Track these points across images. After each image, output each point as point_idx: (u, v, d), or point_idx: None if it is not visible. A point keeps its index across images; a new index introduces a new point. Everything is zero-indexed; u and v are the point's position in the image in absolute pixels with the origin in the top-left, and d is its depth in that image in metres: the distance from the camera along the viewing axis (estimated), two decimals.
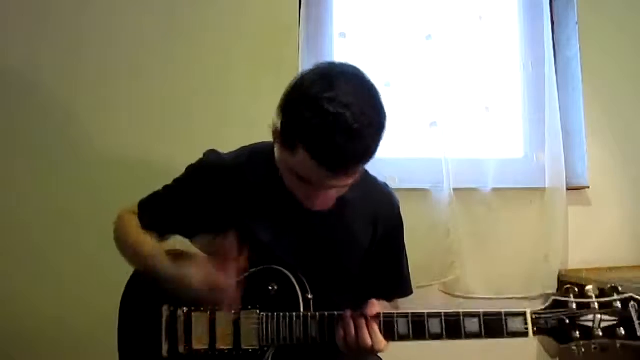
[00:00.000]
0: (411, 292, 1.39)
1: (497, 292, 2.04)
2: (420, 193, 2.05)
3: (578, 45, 2.19)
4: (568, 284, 1.16)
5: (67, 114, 1.91)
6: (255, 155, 1.32)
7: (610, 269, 2.10)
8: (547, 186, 2.12)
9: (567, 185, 2.10)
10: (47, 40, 1.91)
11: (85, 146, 1.91)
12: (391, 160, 2.10)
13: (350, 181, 1.11)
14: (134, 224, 1.31)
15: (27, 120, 1.89)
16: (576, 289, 1.11)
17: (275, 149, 1.24)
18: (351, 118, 1.00)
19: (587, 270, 2.09)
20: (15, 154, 1.88)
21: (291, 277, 1.22)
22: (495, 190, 2.10)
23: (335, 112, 1.00)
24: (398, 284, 1.37)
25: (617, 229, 2.19)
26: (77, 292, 1.85)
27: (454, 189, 2.03)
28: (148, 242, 1.27)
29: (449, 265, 2.02)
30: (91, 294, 1.82)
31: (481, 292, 2.03)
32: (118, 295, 1.36)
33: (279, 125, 1.10)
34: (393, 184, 1.98)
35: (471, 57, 2.16)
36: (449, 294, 2.04)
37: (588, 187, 2.17)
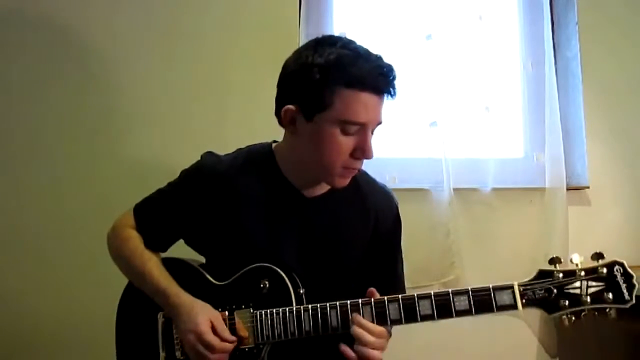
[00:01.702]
0: (404, 293, 1.39)
1: None
2: (420, 193, 2.05)
3: (578, 45, 2.19)
4: None
5: (67, 114, 1.91)
6: (252, 155, 1.32)
7: None
8: (547, 186, 2.11)
9: (567, 185, 2.10)
10: (48, 42, 1.91)
11: (85, 146, 1.91)
12: (391, 160, 2.10)
13: (382, 114, 1.19)
14: (137, 244, 1.30)
15: (27, 121, 1.89)
16: (562, 260, 1.12)
17: (282, 144, 1.27)
18: (368, 49, 1.18)
19: None
20: (15, 154, 1.88)
21: (281, 273, 1.22)
22: (495, 190, 2.10)
23: (357, 46, 1.17)
24: (392, 283, 1.37)
25: (617, 229, 2.19)
26: (77, 292, 1.85)
27: (454, 189, 2.03)
28: (156, 273, 1.26)
29: (449, 265, 2.02)
30: (91, 294, 1.82)
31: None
32: (118, 296, 1.36)
33: (294, 102, 1.17)
34: (393, 184, 2.01)
35: (471, 57, 2.16)
36: None
37: (588, 187, 2.17)
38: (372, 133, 1.19)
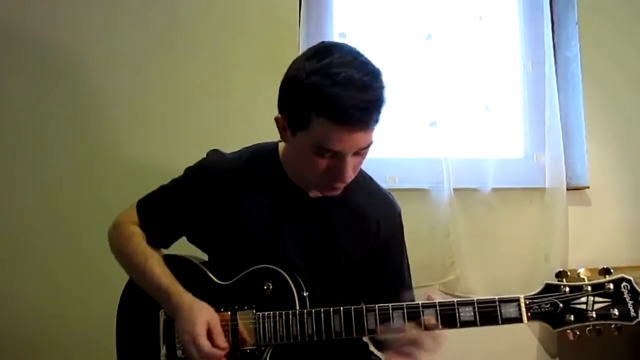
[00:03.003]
0: (412, 299, 1.38)
1: (497, 292, 1.99)
2: (420, 193, 2.05)
3: (578, 45, 2.19)
4: None
5: (68, 115, 1.91)
6: (257, 155, 1.32)
7: (611, 269, 2.10)
8: (547, 186, 2.12)
9: (567, 185, 2.10)
10: (48, 41, 1.91)
11: (86, 146, 1.91)
12: (391, 160, 2.10)
13: (369, 139, 1.12)
14: (140, 241, 1.30)
15: (26, 121, 1.89)
16: (568, 273, 1.11)
17: (285, 144, 1.26)
18: (356, 73, 1.07)
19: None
20: (14, 155, 1.88)
21: (285, 275, 1.22)
22: (495, 190, 2.10)
23: (339, 72, 1.06)
24: (400, 290, 1.34)
25: (617, 229, 2.19)
26: (77, 292, 1.85)
27: (454, 189, 2.03)
28: (158, 271, 1.25)
29: (449, 265, 2.02)
30: (91, 293, 1.82)
31: (481, 292, 2.03)
32: (118, 295, 1.36)
33: (284, 112, 1.15)
34: (393, 184, 2.01)
35: (471, 57, 2.15)
36: (449, 294, 2.04)
37: (588, 187, 2.17)
38: (360, 154, 1.15)
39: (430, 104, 2.09)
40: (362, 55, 1.13)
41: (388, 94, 1.12)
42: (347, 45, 1.18)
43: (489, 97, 2.14)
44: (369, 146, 1.14)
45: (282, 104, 1.17)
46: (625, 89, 2.24)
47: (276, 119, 1.19)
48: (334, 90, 1.05)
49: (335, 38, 2.08)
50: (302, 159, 1.17)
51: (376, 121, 1.11)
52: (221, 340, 1.18)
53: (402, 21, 2.16)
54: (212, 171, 1.29)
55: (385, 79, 1.13)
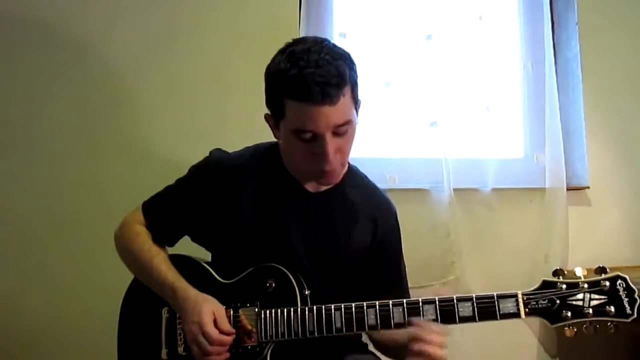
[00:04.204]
0: (408, 296, 1.39)
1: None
2: (420, 193, 2.06)
3: (578, 45, 2.19)
4: None
5: (67, 114, 1.91)
6: (258, 152, 1.34)
7: (611, 269, 2.10)
8: (547, 186, 2.12)
9: (567, 185, 2.10)
10: (50, 40, 1.91)
11: (86, 146, 1.91)
12: (391, 160, 2.10)
13: (343, 116, 1.13)
14: (145, 239, 1.31)
15: (28, 120, 1.89)
16: (565, 271, 1.13)
17: (278, 139, 1.27)
18: (316, 54, 1.12)
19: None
20: (16, 153, 1.88)
21: (288, 274, 1.23)
22: (495, 190, 2.10)
23: (300, 56, 1.12)
24: (396, 288, 1.36)
25: (617, 229, 2.19)
26: (78, 292, 1.85)
27: (454, 189, 2.03)
28: (164, 268, 1.26)
29: (449, 265, 2.02)
30: (92, 294, 1.83)
31: (481, 292, 2.03)
32: (118, 295, 1.36)
33: (268, 108, 1.20)
34: (393, 184, 2.01)
35: (471, 57, 2.16)
36: None
37: (588, 187, 2.17)
38: (340, 134, 1.15)
39: (430, 104, 2.09)
40: (326, 42, 1.18)
41: (355, 73, 1.16)
42: (315, 37, 1.22)
43: (489, 97, 2.14)
44: (345, 125, 1.15)
45: (266, 101, 1.21)
46: (626, 88, 2.24)
47: (266, 117, 1.23)
48: (294, 72, 1.11)
49: (336, 38, 2.08)
50: (290, 149, 1.21)
51: (343, 95, 1.13)
52: (227, 326, 1.20)
53: (402, 21, 2.16)
54: (216, 168, 1.31)
55: (352, 61, 1.17)
